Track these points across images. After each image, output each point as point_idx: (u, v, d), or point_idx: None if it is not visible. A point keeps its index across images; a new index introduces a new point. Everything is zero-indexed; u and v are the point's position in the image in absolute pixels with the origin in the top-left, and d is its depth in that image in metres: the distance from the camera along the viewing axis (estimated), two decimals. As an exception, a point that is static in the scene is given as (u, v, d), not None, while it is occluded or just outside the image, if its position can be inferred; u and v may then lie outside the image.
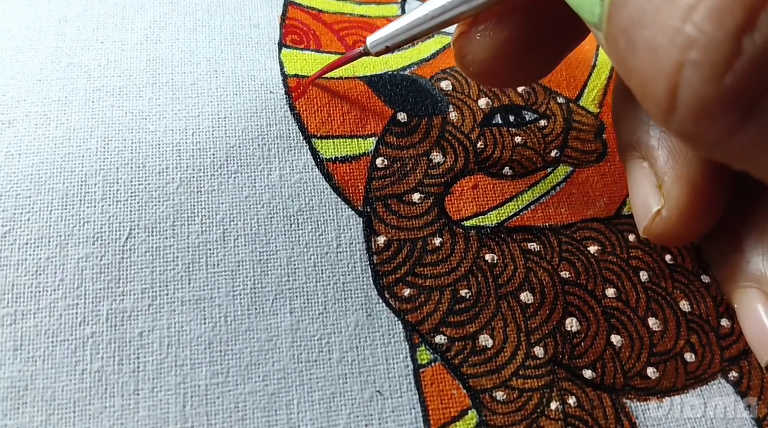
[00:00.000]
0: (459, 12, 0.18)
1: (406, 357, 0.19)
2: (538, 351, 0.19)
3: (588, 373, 0.19)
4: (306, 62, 0.23)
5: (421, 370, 0.19)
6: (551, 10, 0.18)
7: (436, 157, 0.22)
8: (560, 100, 0.24)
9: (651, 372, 0.20)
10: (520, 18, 0.18)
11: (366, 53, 0.21)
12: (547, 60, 0.20)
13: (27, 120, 0.21)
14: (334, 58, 0.24)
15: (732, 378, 0.20)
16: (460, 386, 0.19)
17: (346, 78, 0.23)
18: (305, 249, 0.20)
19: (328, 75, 0.23)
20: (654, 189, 0.19)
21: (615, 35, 0.13)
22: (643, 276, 0.21)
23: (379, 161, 0.22)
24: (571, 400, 0.19)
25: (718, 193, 0.18)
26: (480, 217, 0.21)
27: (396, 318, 0.19)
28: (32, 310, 0.18)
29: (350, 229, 0.20)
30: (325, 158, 0.21)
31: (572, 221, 0.22)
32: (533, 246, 0.21)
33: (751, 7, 0.11)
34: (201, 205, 0.20)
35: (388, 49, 0.20)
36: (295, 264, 0.20)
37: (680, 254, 0.22)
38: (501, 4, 0.18)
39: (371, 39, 0.20)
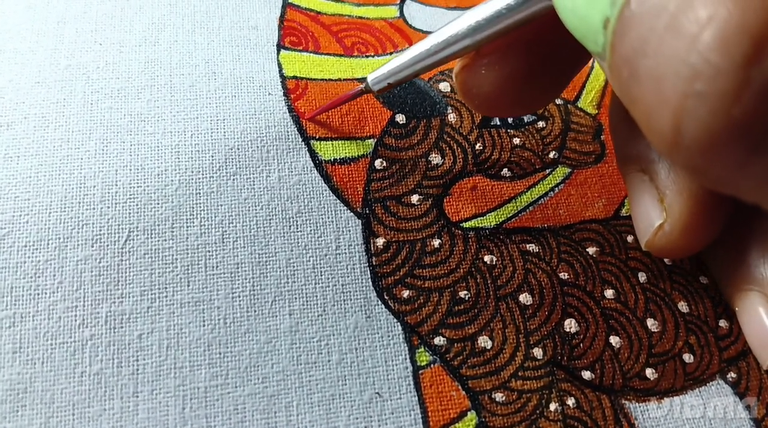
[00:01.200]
0: (462, 46, 0.17)
1: (406, 359, 0.19)
2: (537, 352, 0.19)
3: (587, 374, 0.19)
4: (304, 64, 0.23)
5: (420, 372, 0.19)
6: (554, 40, 0.18)
7: (435, 158, 0.22)
8: (558, 101, 0.24)
9: (650, 373, 0.20)
10: (525, 50, 0.18)
11: (367, 91, 0.20)
12: (551, 88, 0.20)
13: (25, 122, 0.21)
14: (332, 59, 0.24)
15: (731, 379, 0.20)
16: (460, 387, 0.19)
17: (344, 80, 0.23)
18: (304, 251, 0.20)
19: (327, 76, 0.23)
20: (655, 203, 0.19)
21: (618, 65, 0.13)
22: (642, 277, 0.21)
23: (377, 163, 0.22)
24: (570, 401, 0.19)
25: (720, 206, 0.18)
26: (479, 219, 0.21)
27: (395, 320, 0.19)
28: (31, 313, 0.18)
29: (349, 231, 0.20)
30: (324, 160, 0.21)
31: (571, 222, 0.22)
32: (532, 247, 0.21)
33: (759, 35, 0.10)
34: (200, 207, 0.20)
35: (391, 86, 0.20)
36: (294, 266, 0.20)
37: (679, 255, 0.22)
38: (505, 36, 0.17)
39: (372, 76, 0.20)
